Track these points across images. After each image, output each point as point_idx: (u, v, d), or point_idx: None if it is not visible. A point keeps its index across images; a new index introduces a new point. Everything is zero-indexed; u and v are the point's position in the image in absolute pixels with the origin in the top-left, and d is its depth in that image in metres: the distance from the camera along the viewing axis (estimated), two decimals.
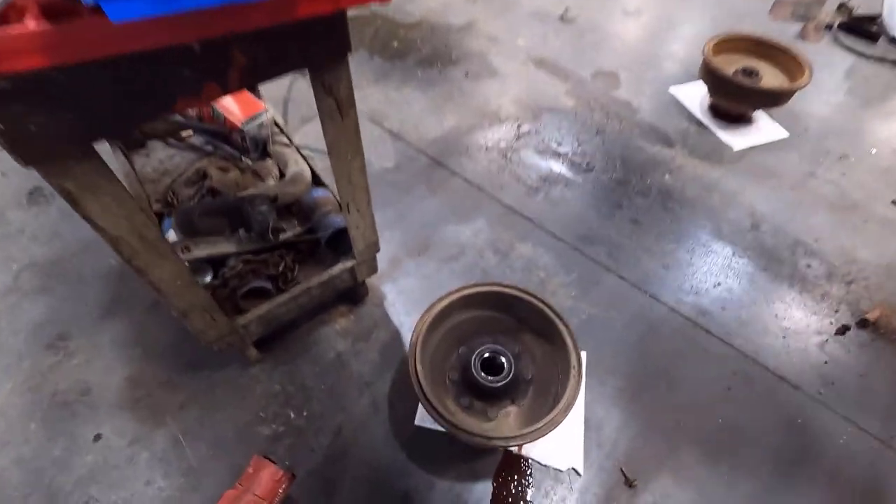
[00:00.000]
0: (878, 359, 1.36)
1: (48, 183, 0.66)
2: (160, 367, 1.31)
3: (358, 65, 2.25)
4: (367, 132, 1.94)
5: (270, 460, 0.90)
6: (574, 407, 1.18)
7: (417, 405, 1.25)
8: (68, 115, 0.61)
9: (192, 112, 1.53)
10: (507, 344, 1.22)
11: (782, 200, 1.74)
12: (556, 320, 1.16)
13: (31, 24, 0.51)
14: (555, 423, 1.01)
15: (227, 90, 0.71)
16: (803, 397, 1.29)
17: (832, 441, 1.22)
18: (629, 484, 1.14)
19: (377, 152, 1.86)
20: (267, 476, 0.87)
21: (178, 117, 1.49)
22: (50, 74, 0.55)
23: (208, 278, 1.20)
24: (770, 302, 1.48)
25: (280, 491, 0.88)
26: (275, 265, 1.22)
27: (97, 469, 1.15)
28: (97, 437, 1.20)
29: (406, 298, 1.45)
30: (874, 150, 1.92)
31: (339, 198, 1.04)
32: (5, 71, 0.53)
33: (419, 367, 1.07)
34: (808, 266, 1.56)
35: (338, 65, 0.79)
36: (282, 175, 1.43)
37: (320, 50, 0.75)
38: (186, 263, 0.96)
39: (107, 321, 1.39)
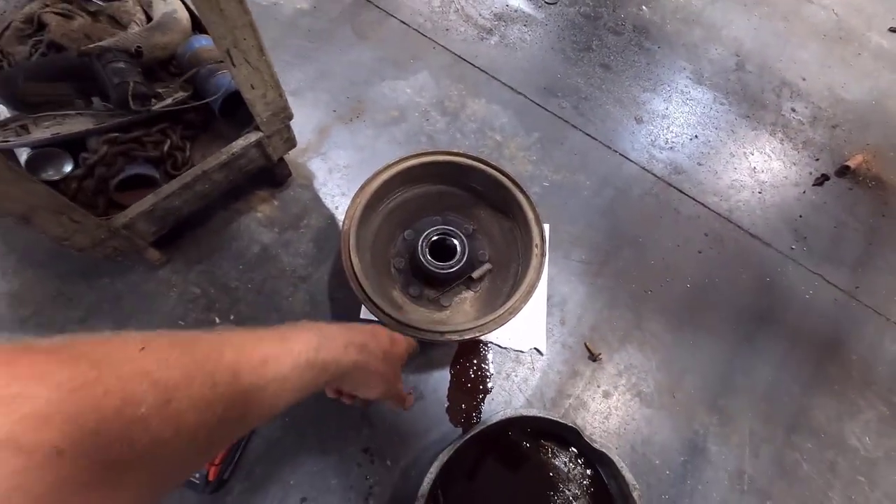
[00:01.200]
0: (854, 208, 1.28)
1: None
2: (46, 278, 1.08)
3: None
4: None
5: None
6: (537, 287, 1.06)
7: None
8: None
9: None
10: (459, 223, 1.05)
11: (772, 32, 1.50)
12: (516, 191, 0.98)
13: None
14: (515, 311, 0.88)
15: None
16: (774, 254, 1.22)
17: (798, 296, 1.18)
18: (593, 358, 1.08)
19: None
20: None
21: None
22: None
23: (68, 168, 0.91)
24: (749, 154, 1.33)
25: None
26: (155, 145, 0.94)
27: None
28: None
29: (340, 175, 1.22)
30: None
31: (213, 41, 0.74)
32: None
33: (354, 259, 0.89)
34: (793, 110, 1.39)
35: None
36: (148, 20, 1.06)
37: None
38: (28, 150, 0.68)
39: None
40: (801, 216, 1.26)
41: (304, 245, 1.15)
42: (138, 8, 1.07)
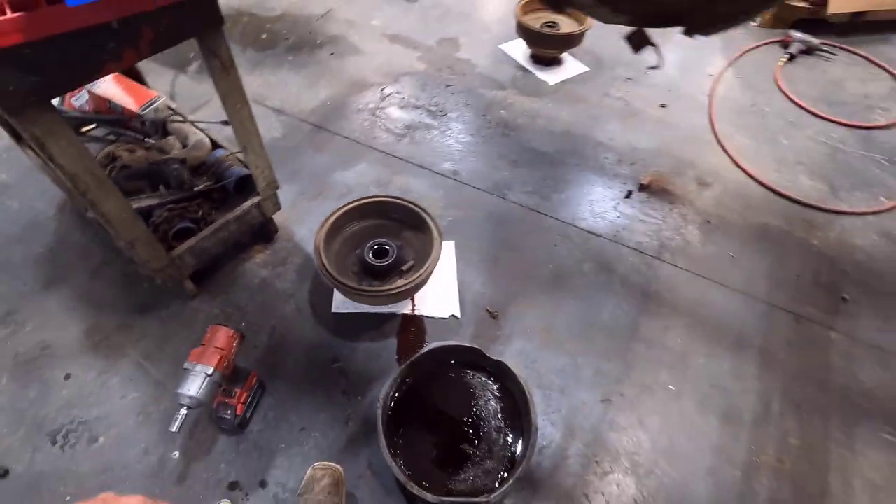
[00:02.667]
0: (652, 207, 1.96)
1: (22, 132, 0.95)
2: (111, 316, 1.56)
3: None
4: (254, 112, 2.24)
5: (224, 325, 1.23)
6: (445, 271, 1.63)
7: (332, 300, 1.62)
8: (33, 78, 0.91)
9: (89, 108, 1.75)
10: (391, 240, 1.63)
11: (587, 116, 2.32)
12: (421, 212, 1.59)
13: (8, 13, 0.82)
14: (425, 274, 1.44)
15: (140, 56, 1.04)
16: (604, 242, 1.85)
17: (623, 264, 1.78)
18: (492, 316, 1.61)
19: (265, 126, 2.17)
20: (223, 334, 1.21)
21: (77, 113, 1.71)
22: (22, 49, 0.86)
23: None
24: (581, 185, 2.03)
25: (234, 345, 1.22)
26: (195, 211, 1.52)
27: (74, 398, 1.40)
28: (67, 377, 1.44)
29: (310, 231, 1.81)
30: (647, 72, 2.58)
31: (237, 142, 1.37)
32: None
33: (325, 260, 1.45)
34: (606, 157, 2.14)
35: (216, 32, 1.13)
36: (184, 146, 1.71)
37: (202, 22, 1.10)
38: None
39: (51, 291, 1.60)
40: (619, 216, 1.92)
41: (290, 275, 1.70)
42: (176, 142, 1.72)
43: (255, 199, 1.56)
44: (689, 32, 0.77)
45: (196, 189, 1.52)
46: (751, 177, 2.10)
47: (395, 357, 1.52)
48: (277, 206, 1.67)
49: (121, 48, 1.00)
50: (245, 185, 1.59)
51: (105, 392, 1.41)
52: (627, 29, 0.80)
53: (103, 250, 1.70)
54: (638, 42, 0.83)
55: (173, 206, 1.48)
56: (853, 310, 1.69)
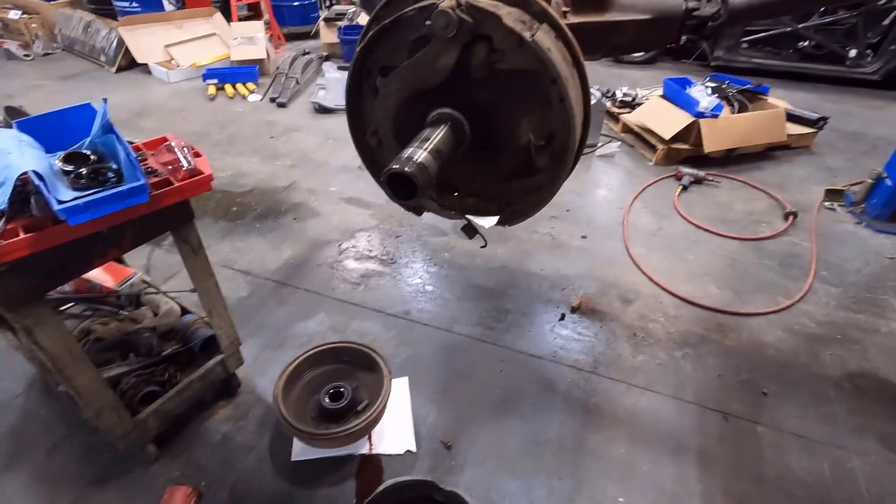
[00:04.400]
0: (584, 327, 2.19)
1: (14, 323, 1.13)
2: (69, 492, 1.57)
3: (206, 228, 2.84)
4: (222, 275, 2.47)
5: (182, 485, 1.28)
6: (399, 406, 1.76)
7: (291, 449, 1.69)
8: (34, 279, 1.12)
9: (69, 288, 1.95)
10: (347, 382, 1.76)
11: (519, 251, 2.66)
12: (372, 353, 1.76)
13: (21, 235, 1.06)
14: (377, 412, 1.56)
15: (122, 252, 1.28)
16: (544, 362, 2.03)
17: (563, 381, 1.95)
18: (447, 447, 1.70)
19: (232, 287, 2.40)
20: (180, 495, 1.26)
21: (59, 294, 1.90)
22: (27, 259, 1.08)
23: None
24: (520, 313, 2.27)
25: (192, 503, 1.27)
26: (161, 374, 1.65)
27: None
28: None
29: (272, 381, 1.91)
30: (568, 210, 3.02)
31: (203, 308, 1.57)
32: (5, 261, 1.05)
33: (283, 408, 1.57)
34: (539, 286, 2.42)
35: (187, 225, 1.40)
36: (156, 315, 1.89)
37: (176, 220, 1.37)
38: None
39: (7, 472, 1.62)
40: (555, 338, 2.13)
41: (251, 426, 1.78)
42: (149, 310, 1.91)
43: (219, 357, 1.71)
44: (502, 223, 1.13)
45: (163, 354, 1.67)
46: (666, 290, 2.39)
47: (354, 501, 1.55)
48: (240, 361, 1.81)
49: (106, 248, 1.24)
50: (211, 345, 1.75)
51: None
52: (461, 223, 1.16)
53: (67, 424, 1.76)
54: (470, 231, 1.18)
55: (141, 372, 1.61)
56: (773, 402, 1.86)
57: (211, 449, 1.70)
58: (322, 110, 4.40)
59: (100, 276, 1.95)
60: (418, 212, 1.20)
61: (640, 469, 1.64)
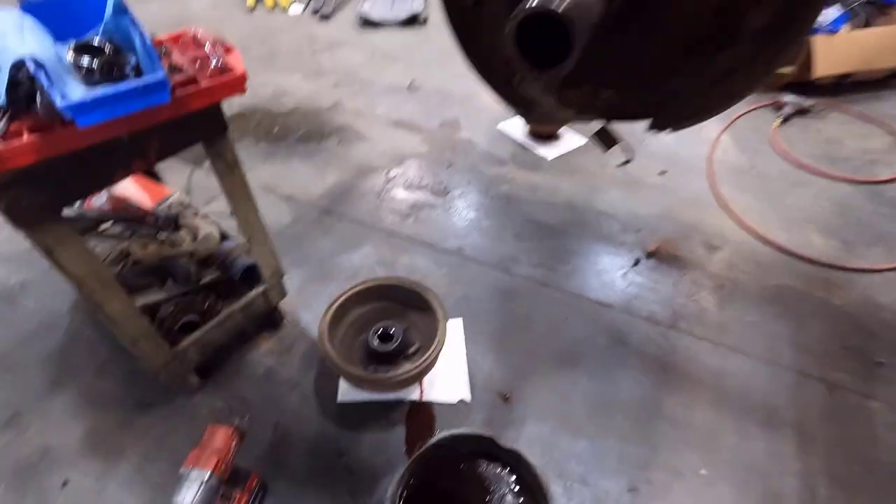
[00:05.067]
0: (663, 275, 1.93)
1: (33, 241, 0.99)
2: (113, 415, 1.53)
3: (247, 149, 2.66)
4: (264, 200, 2.30)
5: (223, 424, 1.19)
6: (453, 351, 1.60)
7: (337, 388, 1.58)
8: (46, 192, 0.96)
9: (107, 207, 1.84)
10: (396, 323, 1.60)
11: (587, 186, 2.36)
12: (425, 293, 1.58)
13: (25, 137, 0.88)
14: (432, 357, 1.40)
15: (149, 164, 1.09)
16: (615, 312, 1.80)
17: (637, 335, 1.72)
18: (504, 399, 1.54)
19: (275, 214, 2.24)
20: (221, 434, 1.16)
21: (95, 213, 1.79)
22: (36, 167, 0.91)
23: None
24: (587, 255, 2.02)
25: (233, 445, 1.17)
26: (201, 304, 1.53)
27: None
28: (65, 483, 1.38)
29: (317, 316, 1.76)
30: (643, 141, 2.65)
31: (242, 234, 1.41)
32: (8, 168, 0.88)
33: (329, 347, 1.43)
34: (609, 226, 2.14)
35: (221, 137, 1.20)
36: (195, 239, 1.76)
37: (207, 129, 1.16)
38: None
39: (55, 393, 1.59)
40: (628, 285, 1.89)
41: (296, 361, 1.67)
42: (188, 234, 1.78)
43: (261, 288, 1.57)
44: (656, 127, 0.79)
45: (202, 282, 1.55)
46: (760, 238, 2.07)
47: (404, 448, 1.44)
48: (283, 294, 1.68)
49: (130, 158, 1.06)
50: (252, 274, 1.61)
51: (101, 500, 1.35)
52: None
53: (111, 347, 1.70)
54: (606, 140, 0.85)
55: (179, 301, 1.49)
56: (890, 375, 1.58)
57: (254, 383, 1.61)
58: (367, 24, 4.01)
59: (138, 195, 1.81)
60: (528, 110, 0.85)
61: (726, 440, 1.44)
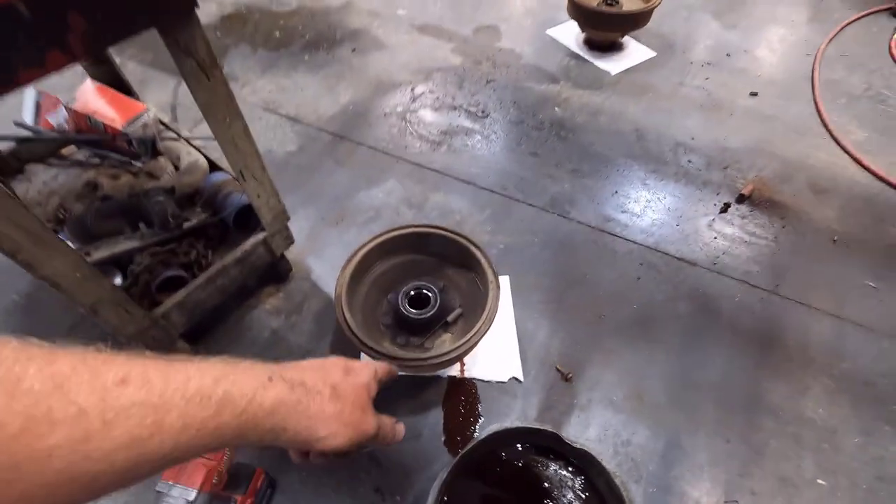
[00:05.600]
0: (757, 225, 1.54)
1: None
2: None
3: (243, 60, 2.22)
4: (265, 122, 1.93)
5: None
6: (500, 319, 1.27)
7: (359, 359, 1.28)
8: None
9: (67, 126, 1.47)
10: (431, 282, 1.28)
11: (659, 110, 1.91)
12: (471, 247, 1.23)
13: None
14: (481, 333, 1.08)
15: (74, 57, 0.71)
16: (700, 271, 1.45)
17: (728, 301, 1.38)
18: (565, 378, 1.24)
19: (278, 139, 1.85)
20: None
21: (55, 134, 1.43)
22: None
23: (117, 281, 1.17)
24: (662, 198, 1.63)
25: (226, 451, 0.90)
26: (185, 254, 1.21)
27: None
28: None
29: (332, 266, 1.48)
30: (728, 55, 2.14)
31: (230, 166, 1.05)
32: None
33: (348, 315, 1.11)
34: (690, 161, 1.73)
35: (187, 21, 0.80)
36: (177, 169, 1.40)
37: (164, 7, 0.76)
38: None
39: None
40: (715, 237, 1.52)
41: (307, 325, 1.37)
42: (168, 163, 1.42)
43: (261, 236, 1.23)
44: None
45: (186, 226, 1.21)
46: (882, 179, 1.65)
47: (442, 438, 1.17)
48: (290, 241, 1.34)
49: (41, 47, 0.67)
50: (249, 217, 1.26)
51: None
52: None
53: None
54: None
55: (157, 250, 1.16)
56: None
57: (258, 348, 1.32)
58: None
59: (104, 111, 1.43)
60: None
61: (849, 441, 1.14)
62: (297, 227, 1.48)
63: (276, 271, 1.42)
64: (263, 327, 1.36)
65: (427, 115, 1.94)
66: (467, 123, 1.89)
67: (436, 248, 1.31)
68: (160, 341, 1.14)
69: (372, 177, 1.72)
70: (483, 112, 1.93)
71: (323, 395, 0.52)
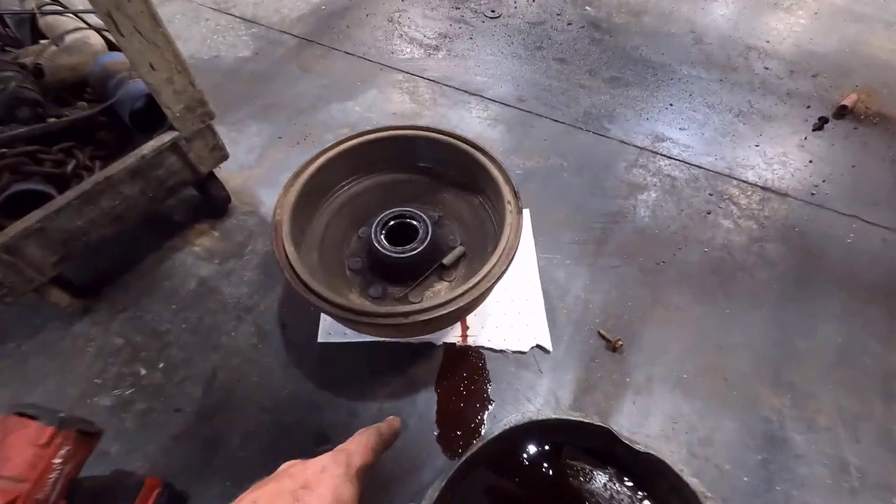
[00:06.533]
0: (866, 146, 1.14)
1: None
2: None
3: None
4: (213, 23, 1.51)
5: (29, 416, 0.53)
6: (520, 264, 0.89)
7: (318, 321, 0.91)
8: None
9: None
10: (421, 209, 0.88)
11: (720, 9, 1.48)
12: (476, 153, 0.83)
13: None
14: (493, 277, 0.69)
15: None
16: (794, 204, 1.05)
17: (838, 242, 0.99)
18: (612, 347, 0.86)
19: (228, 43, 1.44)
20: (18, 443, 0.51)
21: None
22: None
23: None
24: (734, 112, 1.22)
25: (56, 461, 0.52)
26: (57, 164, 0.81)
27: None
28: None
29: None
30: None
31: (117, 41, 0.65)
32: None
33: (290, 250, 0.72)
34: (766, 68, 1.31)
35: None
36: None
37: None
38: None
39: None
40: (811, 161, 1.11)
41: (249, 273, 0.98)
42: (52, 46, 1.01)
43: (167, 138, 0.83)
44: None
45: (57, 122, 0.81)
46: None
47: (436, 432, 0.79)
48: (220, 154, 0.95)
49: None
50: (158, 115, 0.86)
51: None
52: None
53: None
54: None
55: (4, 151, 0.77)
56: None
57: (178, 304, 0.94)
58: None
59: None
60: None
61: None
62: (244, 146, 1.11)
63: (209, 202, 1.03)
64: (189, 276, 0.98)
65: (421, 15, 1.51)
66: (472, 22, 1.47)
67: (427, 161, 0.91)
68: (14, 290, 0.76)
69: (347, 87, 1.31)
70: (493, 12, 1.50)
71: None
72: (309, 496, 0.40)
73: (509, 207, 0.76)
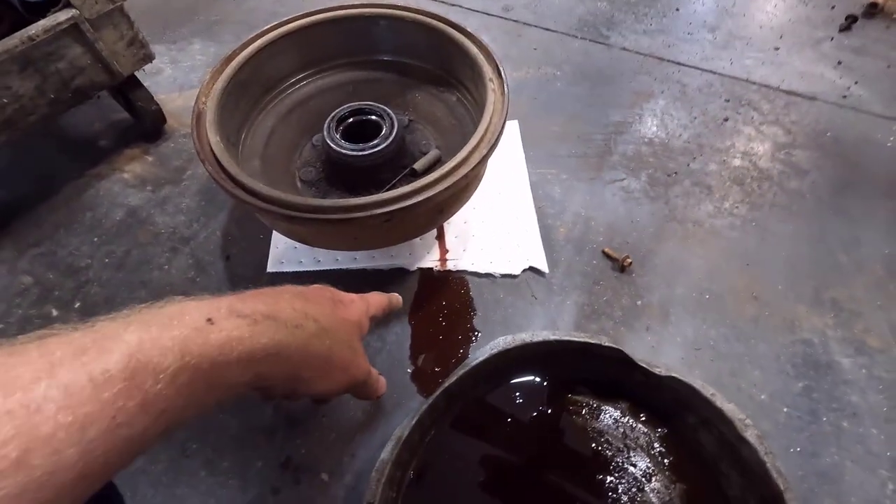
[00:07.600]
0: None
1: None
2: None
3: None
4: None
5: None
6: (509, 175, 0.75)
7: (268, 249, 0.75)
8: None
9: None
10: (392, 107, 0.73)
11: None
12: (451, 31, 0.68)
13: None
14: (472, 162, 0.55)
15: None
16: (824, 107, 0.91)
17: (878, 146, 0.85)
18: (621, 267, 0.72)
19: None
20: None
21: None
22: None
23: None
24: (748, 14, 1.07)
25: None
26: None
27: None
28: None
29: None
30: None
31: None
32: None
33: (213, 139, 0.56)
34: None
35: None
36: None
37: None
38: None
39: None
40: (840, 62, 0.97)
41: (188, 200, 0.83)
42: None
43: (63, 17, 0.66)
44: None
45: None
46: None
47: (410, 369, 0.65)
48: (143, 51, 0.78)
49: None
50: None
51: None
52: None
53: None
54: None
55: None
56: None
57: (102, 236, 0.78)
58: None
59: None
60: None
61: None
62: (185, 66, 0.96)
63: (139, 120, 0.86)
64: (115, 205, 0.82)
65: None
66: None
67: (391, 53, 0.75)
68: None
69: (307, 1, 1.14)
70: None
71: (304, 330, 0.37)
72: (343, 309, 0.45)
73: (491, 86, 0.61)
